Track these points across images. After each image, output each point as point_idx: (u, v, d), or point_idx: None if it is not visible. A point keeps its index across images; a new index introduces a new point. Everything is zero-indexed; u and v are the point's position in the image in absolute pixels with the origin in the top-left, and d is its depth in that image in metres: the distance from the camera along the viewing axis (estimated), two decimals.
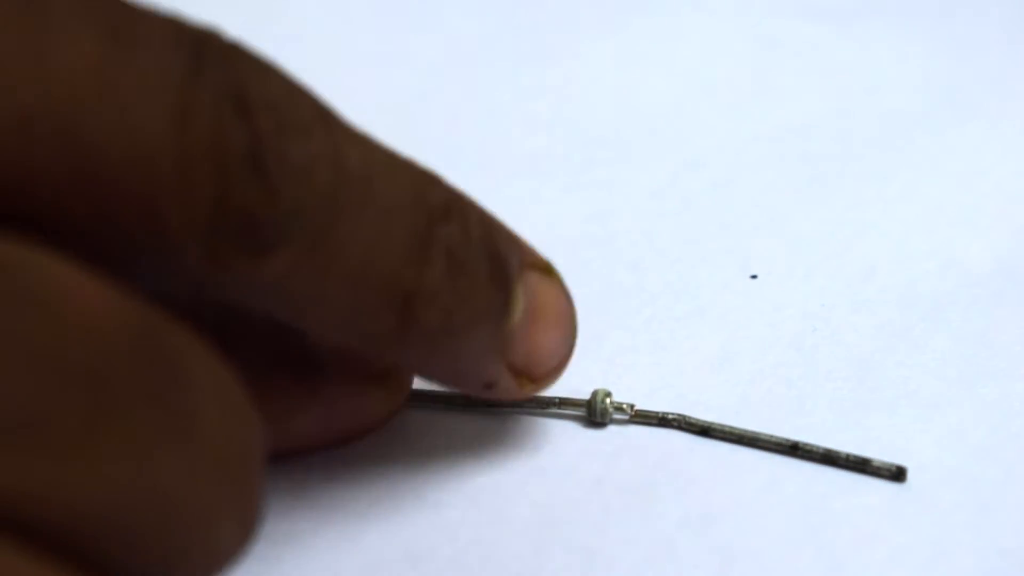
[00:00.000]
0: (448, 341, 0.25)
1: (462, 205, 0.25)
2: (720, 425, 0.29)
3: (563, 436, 0.29)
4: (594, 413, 0.29)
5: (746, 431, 0.29)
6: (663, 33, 0.46)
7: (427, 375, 0.26)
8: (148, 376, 0.17)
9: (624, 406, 0.29)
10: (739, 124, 0.41)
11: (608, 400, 0.29)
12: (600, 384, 0.30)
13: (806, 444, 0.28)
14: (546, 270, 0.27)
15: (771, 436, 0.28)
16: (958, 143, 0.39)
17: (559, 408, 0.29)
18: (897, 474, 0.27)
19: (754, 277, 0.34)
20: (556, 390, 0.28)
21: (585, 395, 0.29)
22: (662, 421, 0.29)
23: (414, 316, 0.24)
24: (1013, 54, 0.44)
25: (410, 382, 0.29)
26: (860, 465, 0.28)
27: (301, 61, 0.45)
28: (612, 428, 0.29)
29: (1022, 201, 0.36)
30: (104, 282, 0.17)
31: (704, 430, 0.29)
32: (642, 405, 0.29)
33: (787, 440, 0.28)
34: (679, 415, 0.29)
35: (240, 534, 0.19)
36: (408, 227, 0.23)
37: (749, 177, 0.38)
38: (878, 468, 0.28)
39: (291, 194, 0.20)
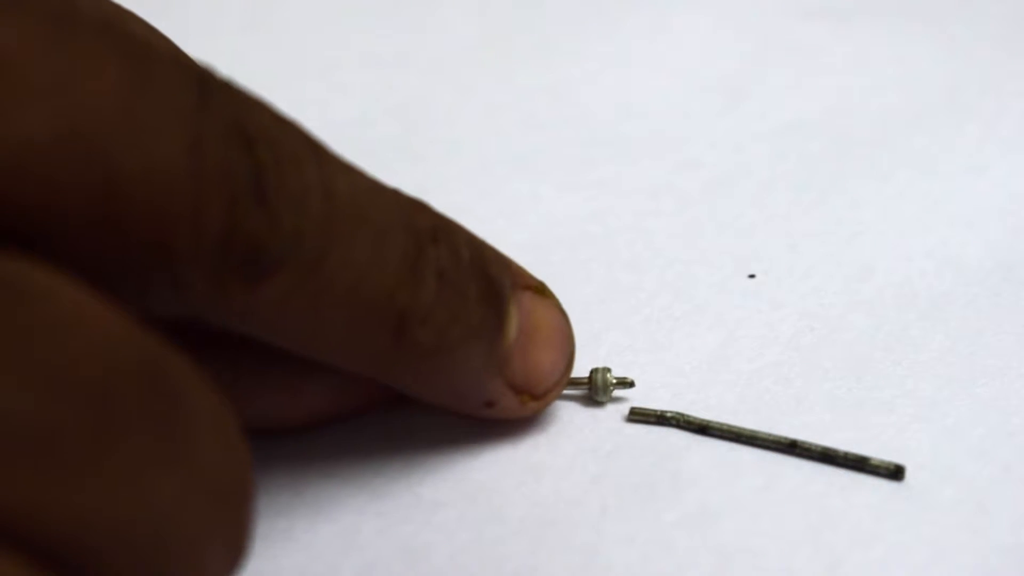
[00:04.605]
0: (444, 359, 0.25)
1: (450, 229, 0.25)
2: (718, 423, 0.29)
3: (562, 435, 0.29)
4: (596, 391, 0.29)
5: (744, 429, 0.29)
6: (661, 33, 0.46)
7: (427, 396, 0.27)
8: (150, 401, 0.18)
9: (627, 380, 0.29)
10: (737, 123, 0.41)
11: (608, 376, 0.29)
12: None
13: (804, 442, 0.28)
14: (540, 290, 0.28)
15: (769, 434, 0.28)
16: (955, 142, 0.39)
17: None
18: (895, 472, 0.27)
19: (752, 276, 0.34)
20: None
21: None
22: (660, 419, 0.29)
23: (409, 335, 0.24)
24: (1010, 53, 0.44)
25: None
26: (858, 463, 0.28)
27: (302, 61, 0.45)
28: (610, 426, 0.29)
29: (1019, 200, 0.36)
30: (113, 307, 0.18)
31: (702, 428, 0.29)
32: (640, 403, 0.29)
33: (785, 438, 0.28)
34: (677, 413, 0.29)
35: (228, 560, 0.19)
36: (398, 249, 0.24)
37: (747, 176, 0.38)
38: (876, 466, 0.28)
39: (290, 222, 0.21)
